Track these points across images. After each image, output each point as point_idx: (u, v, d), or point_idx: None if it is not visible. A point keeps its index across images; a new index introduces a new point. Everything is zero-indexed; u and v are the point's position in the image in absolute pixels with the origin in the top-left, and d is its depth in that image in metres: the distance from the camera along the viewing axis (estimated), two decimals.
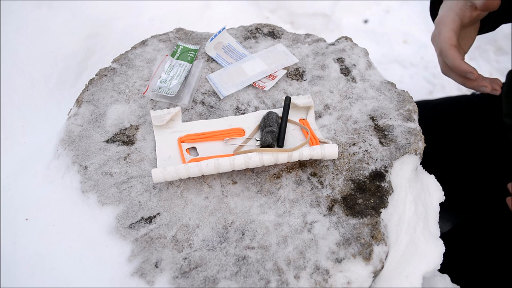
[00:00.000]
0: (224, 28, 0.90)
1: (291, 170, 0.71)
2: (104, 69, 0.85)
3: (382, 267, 0.62)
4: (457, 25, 0.73)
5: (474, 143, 1.10)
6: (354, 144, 0.74)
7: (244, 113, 0.79)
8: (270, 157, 0.67)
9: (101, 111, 0.78)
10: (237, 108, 0.80)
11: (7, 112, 0.96)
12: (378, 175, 0.70)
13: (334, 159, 0.72)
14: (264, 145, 0.70)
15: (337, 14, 1.85)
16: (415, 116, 0.78)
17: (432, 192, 0.76)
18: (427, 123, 1.03)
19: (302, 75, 0.85)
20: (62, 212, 0.67)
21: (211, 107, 0.80)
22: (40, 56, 1.12)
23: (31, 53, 1.11)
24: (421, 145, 0.74)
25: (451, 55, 0.71)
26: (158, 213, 0.66)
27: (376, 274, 0.61)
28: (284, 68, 0.86)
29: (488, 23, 0.83)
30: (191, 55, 0.87)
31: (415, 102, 0.85)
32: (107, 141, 0.74)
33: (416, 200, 0.71)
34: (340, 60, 0.88)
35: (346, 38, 0.93)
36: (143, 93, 0.81)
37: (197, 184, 0.69)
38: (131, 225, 0.65)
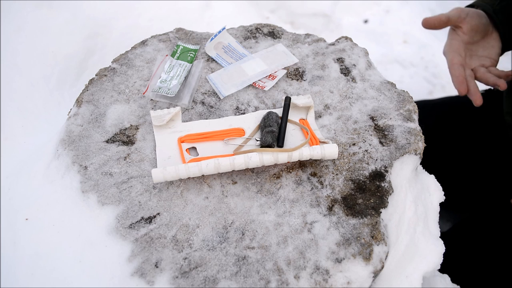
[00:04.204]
0: (224, 28, 0.90)
1: (291, 170, 0.71)
2: (104, 69, 0.85)
3: (382, 267, 0.62)
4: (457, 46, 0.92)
5: (474, 143, 1.10)
6: (354, 144, 0.74)
7: (244, 113, 0.79)
8: (270, 157, 0.67)
9: (101, 111, 0.78)
10: (237, 108, 0.80)
11: (7, 112, 0.96)
12: (378, 175, 0.70)
13: (334, 159, 0.72)
14: (264, 145, 0.70)
15: (337, 14, 1.84)
16: (415, 116, 0.78)
17: (432, 192, 0.76)
18: (427, 123, 1.03)
19: (302, 75, 0.85)
20: (62, 212, 0.67)
21: (211, 107, 0.80)
22: (40, 56, 1.12)
23: (31, 53, 1.11)
24: (421, 145, 0.74)
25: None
26: (158, 213, 0.66)
27: (376, 274, 0.61)
28: (284, 68, 0.86)
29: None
30: (191, 55, 0.87)
31: (415, 102, 0.85)
32: (107, 141, 0.74)
33: (416, 200, 0.71)
34: (340, 60, 0.88)
35: (346, 38, 0.93)
36: (143, 93, 0.81)
37: (197, 184, 0.69)
38: (131, 225, 0.65)
